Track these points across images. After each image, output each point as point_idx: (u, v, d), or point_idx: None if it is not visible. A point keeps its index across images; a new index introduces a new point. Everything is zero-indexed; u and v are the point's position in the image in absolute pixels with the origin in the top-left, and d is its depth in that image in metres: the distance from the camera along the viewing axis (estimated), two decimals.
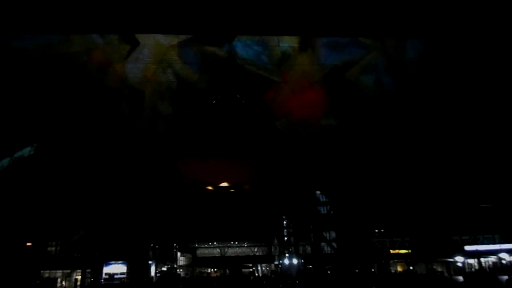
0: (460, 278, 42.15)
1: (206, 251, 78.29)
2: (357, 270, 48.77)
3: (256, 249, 77.37)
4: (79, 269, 49.52)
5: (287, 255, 64.91)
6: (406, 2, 45.28)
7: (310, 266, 56.88)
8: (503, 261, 48.34)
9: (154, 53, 48.90)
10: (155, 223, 56.19)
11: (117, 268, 49.34)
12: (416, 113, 52.49)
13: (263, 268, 75.46)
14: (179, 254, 72.52)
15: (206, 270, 76.41)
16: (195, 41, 49.42)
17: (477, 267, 49.65)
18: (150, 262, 55.61)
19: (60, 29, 47.45)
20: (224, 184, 66.30)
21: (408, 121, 52.65)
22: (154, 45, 48.76)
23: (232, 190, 67.58)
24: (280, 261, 67.38)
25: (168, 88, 50.89)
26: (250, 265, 73.40)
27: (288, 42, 49.90)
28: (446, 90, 51.81)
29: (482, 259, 49.88)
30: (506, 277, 36.71)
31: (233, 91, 54.47)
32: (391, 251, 53.82)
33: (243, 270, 68.26)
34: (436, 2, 45.43)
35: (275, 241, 73.23)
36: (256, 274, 69.30)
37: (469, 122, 51.87)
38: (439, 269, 50.28)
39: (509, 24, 46.01)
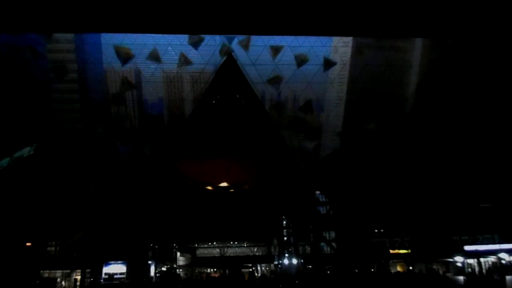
0: (461, 278, 42.17)
1: (206, 251, 78.39)
2: (356, 270, 48.75)
3: (255, 249, 77.47)
4: (78, 269, 49.47)
5: (286, 255, 64.93)
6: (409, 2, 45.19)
7: (310, 266, 56.90)
8: (503, 261, 48.37)
9: None
10: (154, 223, 56.16)
11: (116, 268, 49.24)
12: (415, 113, 52.64)
13: (263, 268, 75.53)
14: (178, 254, 72.55)
15: (205, 270, 76.46)
16: None
17: (476, 267, 49.71)
18: (149, 262, 55.58)
19: (59, 28, 47.45)
20: (224, 184, 66.31)
21: (407, 121, 52.80)
22: None
23: (231, 190, 67.60)
24: (280, 261, 67.41)
25: None
26: (250, 265, 73.45)
27: None
28: (444, 90, 51.95)
29: (482, 259, 49.92)
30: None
31: (233, 91, 54.57)
32: (391, 251, 53.86)
33: (243, 270, 68.24)
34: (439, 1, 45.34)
35: (275, 241, 73.29)
36: (256, 274, 69.30)
37: (469, 122, 51.98)
38: (440, 270, 50.31)
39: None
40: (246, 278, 49.07)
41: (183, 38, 49.43)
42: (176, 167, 60.78)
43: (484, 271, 47.52)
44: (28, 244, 48.13)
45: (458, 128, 52.11)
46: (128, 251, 49.53)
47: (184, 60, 49.71)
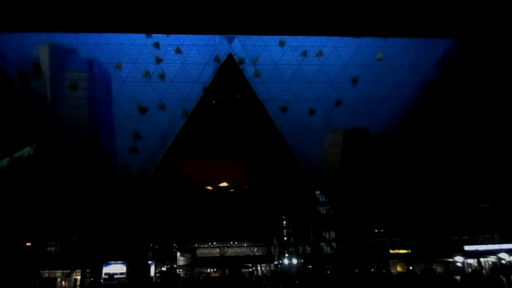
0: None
1: (206, 251, 78.41)
2: (356, 270, 48.73)
3: (255, 249, 77.48)
4: (78, 269, 49.41)
5: (286, 255, 64.91)
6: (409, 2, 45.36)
7: (310, 266, 56.87)
8: (503, 261, 48.36)
9: None
10: (154, 223, 56.16)
11: (116, 268, 49.13)
12: (415, 113, 52.69)
13: (263, 268, 75.51)
14: (178, 254, 72.52)
15: (205, 270, 76.45)
16: None
17: (476, 267, 49.71)
18: (149, 262, 55.54)
19: (60, 28, 47.66)
20: (224, 184, 66.39)
21: (407, 121, 52.87)
22: None
23: (231, 190, 67.67)
24: (280, 261, 67.39)
25: None
26: (250, 265, 73.47)
27: None
28: (444, 90, 52.07)
29: (482, 259, 49.92)
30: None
31: (233, 91, 54.61)
32: (391, 251, 53.86)
33: (243, 270, 68.30)
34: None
35: (275, 241, 73.28)
36: (256, 274, 69.33)
37: (469, 122, 52.05)
38: (439, 269, 50.32)
39: None
40: (248, 277, 49.11)
41: (183, 38, 49.50)
42: (176, 167, 60.85)
43: (485, 271, 47.50)
44: (28, 244, 48.09)
45: (458, 128, 52.16)
46: (128, 251, 49.42)
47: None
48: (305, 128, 52.19)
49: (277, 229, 69.93)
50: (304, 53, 50.25)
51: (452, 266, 50.59)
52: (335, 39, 49.99)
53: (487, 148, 51.37)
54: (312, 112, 51.50)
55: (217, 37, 49.91)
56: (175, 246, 70.98)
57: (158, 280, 54.07)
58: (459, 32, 49.52)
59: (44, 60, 47.18)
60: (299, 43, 50.42)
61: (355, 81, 51.23)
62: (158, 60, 49.40)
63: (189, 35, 49.49)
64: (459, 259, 48.78)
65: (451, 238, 52.94)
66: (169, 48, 49.73)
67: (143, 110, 50.41)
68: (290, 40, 50.15)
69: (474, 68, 50.59)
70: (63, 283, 50.43)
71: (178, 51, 49.25)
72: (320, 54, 50.22)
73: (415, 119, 52.42)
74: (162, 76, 49.92)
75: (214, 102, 54.95)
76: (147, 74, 49.40)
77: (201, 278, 54.58)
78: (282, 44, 49.83)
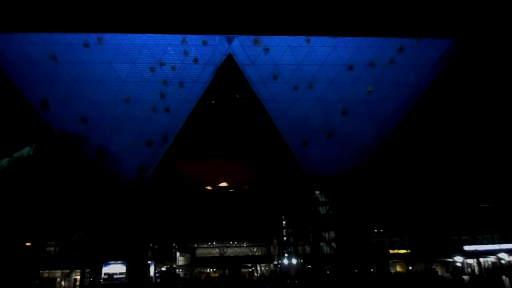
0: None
1: (205, 251, 78.51)
2: (356, 270, 48.75)
3: (255, 249, 77.57)
4: (78, 269, 49.37)
5: (286, 255, 64.93)
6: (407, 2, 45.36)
7: (309, 266, 56.91)
8: (502, 261, 48.46)
9: None
10: (154, 223, 56.15)
11: (116, 268, 49.19)
12: (415, 113, 52.72)
13: (262, 268, 75.57)
14: (178, 254, 72.53)
15: (205, 270, 76.49)
16: None
17: (476, 267, 49.83)
18: (149, 262, 55.56)
19: (59, 28, 47.62)
20: (224, 184, 66.33)
21: (408, 121, 52.88)
22: None
23: (231, 190, 67.64)
24: (280, 261, 67.41)
25: None
26: (249, 265, 73.49)
27: None
28: (444, 90, 52.10)
29: (481, 259, 50.03)
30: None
31: (233, 91, 54.63)
32: (390, 251, 53.93)
33: (243, 270, 68.32)
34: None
35: (274, 241, 73.33)
36: (256, 274, 69.35)
37: (468, 122, 52.08)
38: (439, 269, 50.39)
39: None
40: (248, 277, 49.01)
41: (183, 38, 49.44)
42: (176, 168, 60.81)
43: (484, 271, 47.58)
44: (28, 244, 48.07)
45: (458, 128, 52.20)
46: (128, 251, 49.44)
47: None
48: (305, 128, 52.21)
49: (277, 229, 69.94)
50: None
51: (452, 266, 50.75)
52: (335, 39, 49.94)
53: (486, 148, 51.41)
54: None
55: (217, 37, 49.85)
56: (175, 246, 70.97)
57: (158, 280, 54.10)
58: (459, 32, 49.52)
59: None
60: (299, 43, 50.36)
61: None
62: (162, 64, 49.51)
63: (189, 35, 49.43)
64: (458, 259, 48.91)
65: (451, 238, 53.02)
66: (169, 48, 49.69)
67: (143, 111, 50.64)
68: (290, 40, 50.10)
69: (474, 68, 50.60)
70: (62, 283, 50.43)
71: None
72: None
73: (415, 119, 52.43)
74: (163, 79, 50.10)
75: (214, 102, 54.95)
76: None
77: (202, 278, 54.53)
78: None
